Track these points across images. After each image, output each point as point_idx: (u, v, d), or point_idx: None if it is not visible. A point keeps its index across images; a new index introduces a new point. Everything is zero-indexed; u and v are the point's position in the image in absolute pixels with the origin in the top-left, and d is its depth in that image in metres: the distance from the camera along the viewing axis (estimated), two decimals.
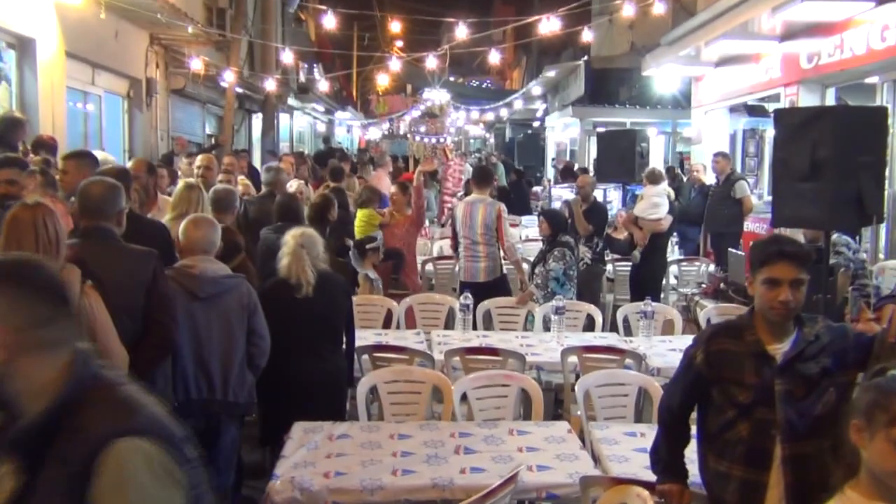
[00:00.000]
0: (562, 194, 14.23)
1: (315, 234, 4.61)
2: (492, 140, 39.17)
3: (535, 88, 22.09)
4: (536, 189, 19.43)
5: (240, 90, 15.23)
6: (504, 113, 25.62)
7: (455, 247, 7.25)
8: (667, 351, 5.53)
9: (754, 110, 12.17)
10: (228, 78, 12.78)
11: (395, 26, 24.14)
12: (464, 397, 4.36)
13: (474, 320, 6.14)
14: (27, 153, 7.30)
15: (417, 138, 12.25)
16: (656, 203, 8.46)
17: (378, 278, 6.68)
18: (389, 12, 26.21)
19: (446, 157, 12.94)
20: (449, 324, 6.49)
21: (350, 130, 31.67)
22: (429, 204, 13.14)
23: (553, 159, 22.55)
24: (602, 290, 8.69)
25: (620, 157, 12.61)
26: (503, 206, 7.10)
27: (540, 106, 27.02)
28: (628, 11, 9.95)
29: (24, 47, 8.46)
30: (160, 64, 12.57)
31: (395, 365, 4.74)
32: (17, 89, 8.47)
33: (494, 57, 11.56)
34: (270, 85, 13.85)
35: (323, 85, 14.87)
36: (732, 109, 12.45)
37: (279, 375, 4.43)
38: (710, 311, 6.43)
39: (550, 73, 20.12)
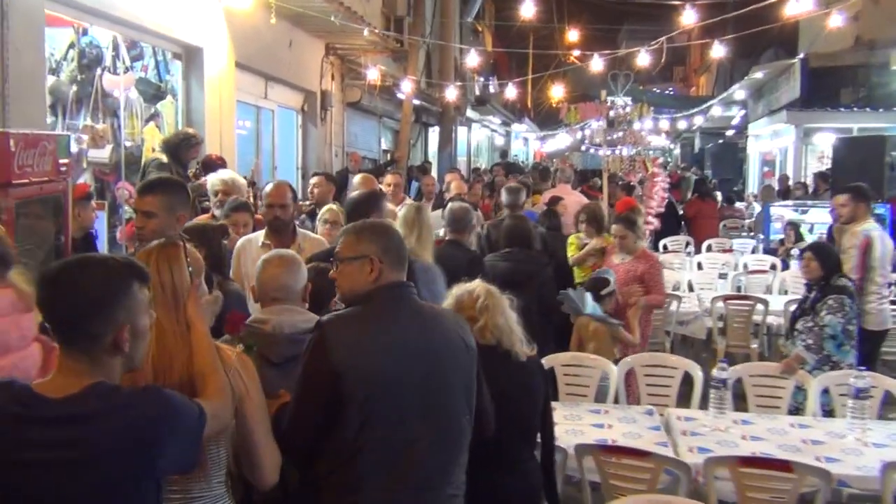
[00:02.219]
0: (783, 214, 12.12)
1: (499, 294, 3.23)
2: (677, 151, 36.49)
3: (739, 93, 19.77)
4: (740, 206, 17.18)
5: (417, 102, 14.32)
6: (698, 121, 23.34)
7: (860, 286, 5.96)
8: None
9: None
10: (406, 88, 11.82)
11: (573, 35, 22.69)
12: None
13: None
14: (200, 174, 6.55)
15: (608, 150, 10.65)
16: None
17: (620, 322, 5.31)
18: (568, 21, 24.82)
19: (646, 171, 11.26)
20: (683, 396, 4.93)
21: (527, 143, 30.41)
22: None
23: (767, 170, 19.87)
24: None
25: (862, 169, 10.41)
26: None
27: (737, 112, 24.46)
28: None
29: (190, 58, 7.79)
30: (335, 75, 11.84)
31: (640, 487, 3.28)
32: (183, 104, 7.80)
33: (718, 51, 9.75)
34: (451, 93, 12.77)
35: (510, 91, 13.59)
36: None
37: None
38: None
39: (758, 75, 17.80)
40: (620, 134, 10.83)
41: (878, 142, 10.47)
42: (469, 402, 2.56)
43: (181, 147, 6.15)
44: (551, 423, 3.39)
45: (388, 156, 13.75)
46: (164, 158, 6.14)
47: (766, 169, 20.41)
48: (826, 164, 17.49)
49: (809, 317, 4.96)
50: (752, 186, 20.68)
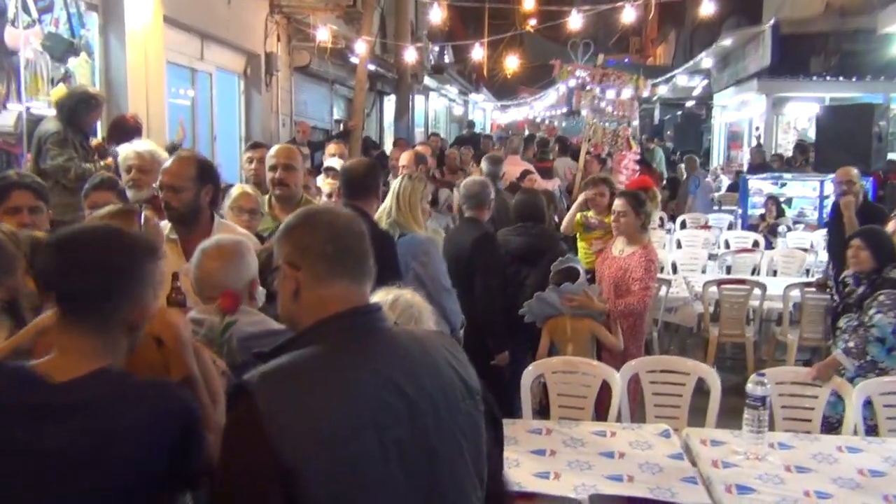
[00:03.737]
0: (761, 187, 11.48)
1: (419, 302, 2.47)
2: (635, 122, 35.80)
3: (705, 61, 19.09)
4: (707, 180, 16.60)
5: (371, 68, 13.27)
6: (661, 91, 22.66)
7: None
8: None
9: None
10: (360, 49, 10.77)
11: (529, 2, 21.89)
12: None
13: None
14: (107, 146, 5.52)
15: (596, 120, 9.82)
16: None
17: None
18: None
19: (629, 146, 10.50)
20: (697, 404, 4.15)
21: (485, 114, 29.56)
22: None
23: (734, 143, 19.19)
24: None
25: (849, 140, 9.83)
26: None
27: (699, 82, 23.84)
28: None
29: (109, 9, 6.70)
30: (282, 36, 10.75)
31: None
32: (101, 63, 6.73)
33: (707, 7, 8.93)
34: (410, 55, 11.78)
35: (476, 52, 12.63)
36: None
37: None
38: None
39: (726, 42, 17.12)
40: (608, 107, 10.03)
41: (865, 111, 9.87)
42: (479, 469, 1.72)
43: (77, 111, 5.04)
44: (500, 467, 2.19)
45: (341, 126, 12.72)
46: (57, 126, 5.06)
47: (733, 141, 19.82)
48: (796, 136, 17.02)
49: (856, 314, 4.20)
50: (718, 159, 20.13)
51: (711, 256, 7.33)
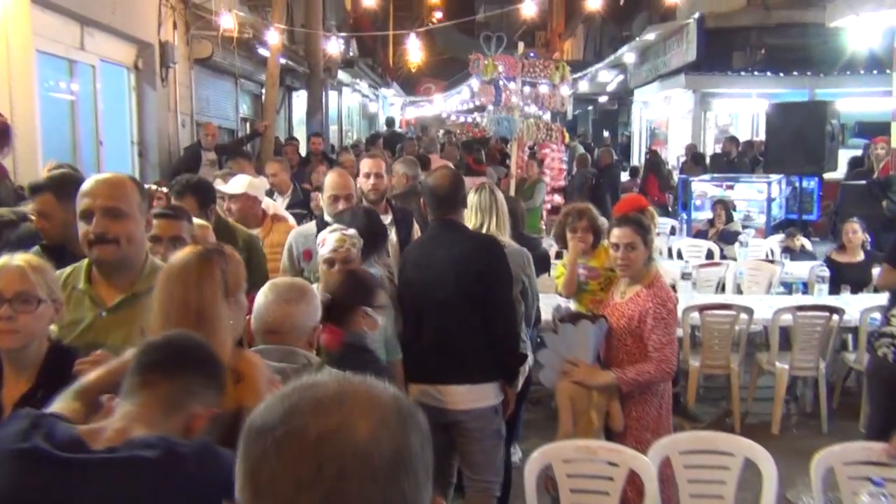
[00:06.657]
0: (705, 190, 10.89)
1: None
2: (546, 117, 35.44)
3: (628, 55, 18.58)
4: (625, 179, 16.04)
5: (281, 61, 11.98)
6: (581, 87, 22.16)
7: None
8: None
9: None
10: (272, 39, 9.50)
11: None
12: None
13: None
14: None
15: (525, 118, 8.93)
16: None
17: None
18: None
19: (563, 140, 9.73)
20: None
21: (403, 110, 28.44)
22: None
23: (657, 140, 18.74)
24: None
25: (799, 139, 9.26)
26: None
27: (614, 78, 23.42)
28: None
29: None
30: (179, 24, 9.37)
31: None
32: None
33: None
34: (333, 47, 10.58)
35: (414, 44, 11.50)
36: None
37: None
38: None
39: (649, 36, 16.60)
40: (528, 94, 9.11)
41: (816, 108, 9.32)
42: None
43: None
44: None
45: (248, 126, 11.38)
46: None
47: (657, 137, 19.39)
48: (717, 132, 16.73)
49: None
50: (638, 157, 19.70)
51: (685, 275, 6.50)
